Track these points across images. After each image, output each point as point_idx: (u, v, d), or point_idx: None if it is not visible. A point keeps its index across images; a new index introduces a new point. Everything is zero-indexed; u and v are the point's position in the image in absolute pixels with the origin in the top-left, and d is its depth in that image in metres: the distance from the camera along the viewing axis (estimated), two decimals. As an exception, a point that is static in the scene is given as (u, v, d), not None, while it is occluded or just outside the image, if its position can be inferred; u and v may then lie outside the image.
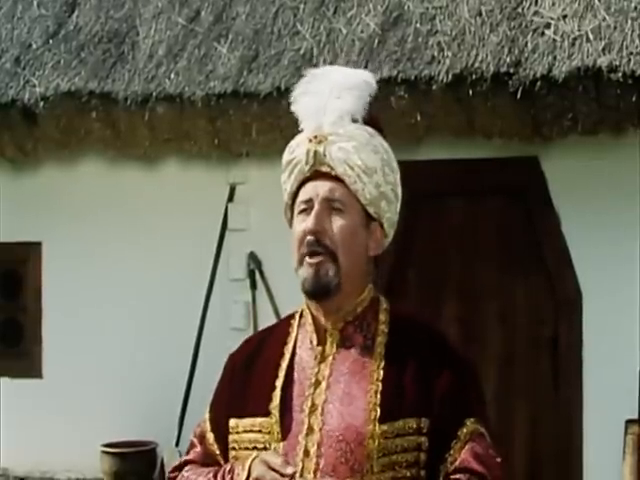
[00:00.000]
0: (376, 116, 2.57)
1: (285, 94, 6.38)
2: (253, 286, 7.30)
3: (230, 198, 7.40)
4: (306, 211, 2.48)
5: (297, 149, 2.52)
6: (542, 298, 6.77)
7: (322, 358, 2.49)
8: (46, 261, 7.88)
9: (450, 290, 6.97)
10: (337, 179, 2.46)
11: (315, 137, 2.48)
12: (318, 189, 2.47)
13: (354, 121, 2.49)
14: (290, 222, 2.55)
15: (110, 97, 6.94)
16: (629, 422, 6.29)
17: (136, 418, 7.36)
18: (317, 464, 2.39)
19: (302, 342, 2.55)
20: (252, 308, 7.30)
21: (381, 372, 2.43)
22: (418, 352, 2.47)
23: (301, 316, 2.59)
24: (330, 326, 2.51)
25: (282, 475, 2.32)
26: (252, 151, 6.99)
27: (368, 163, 2.46)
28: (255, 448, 2.45)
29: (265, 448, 2.44)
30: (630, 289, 6.45)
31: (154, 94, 6.80)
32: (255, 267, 7.28)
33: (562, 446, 6.61)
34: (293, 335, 2.57)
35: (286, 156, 2.56)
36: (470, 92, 6.10)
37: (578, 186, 6.58)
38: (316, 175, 2.48)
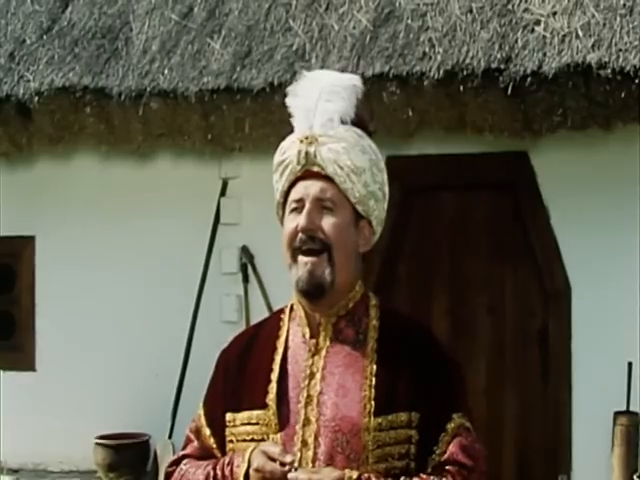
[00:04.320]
0: (364, 118, 2.66)
1: (278, 90, 6.42)
2: (245, 280, 7.34)
3: (222, 192, 7.42)
4: (297, 210, 2.56)
5: (288, 150, 2.60)
6: (531, 291, 6.82)
7: (316, 350, 2.57)
8: (39, 255, 7.90)
9: (440, 283, 7.01)
10: (327, 179, 2.55)
11: (306, 138, 2.56)
12: (309, 189, 2.55)
13: (343, 123, 2.57)
14: (282, 220, 2.63)
15: (104, 92, 6.93)
16: (618, 413, 6.34)
17: (129, 410, 7.38)
18: (315, 454, 2.47)
19: (294, 336, 2.63)
20: (244, 301, 7.33)
21: (374, 367, 2.51)
22: (408, 348, 2.56)
23: (291, 310, 2.66)
24: (323, 320, 2.59)
25: (282, 464, 2.40)
26: (245, 146, 7.00)
27: (357, 163, 2.55)
28: (253, 440, 2.53)
29: (263, 439, 2.52)
30: (619, 281, 6.49)
31: (148, 89, 6.81)
32: (247, 261, 7.31)
33: (551, 437, 6.65)
34: (285, 329, 2.65)
35: (278, 157, 2.64)
36: (461, 88, 6.12)
37: (567, 180, 6.63)
38: (307, 175, 2.57)
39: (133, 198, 7.55)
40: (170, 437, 7.10)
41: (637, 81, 5.77)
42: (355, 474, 2.40)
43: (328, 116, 2.55)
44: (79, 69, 7.07)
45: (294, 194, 2.58)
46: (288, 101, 2.64)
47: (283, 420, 2.52)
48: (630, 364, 6.38)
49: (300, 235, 2.53)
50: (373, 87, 6.11)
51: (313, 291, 2.53)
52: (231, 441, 2.59)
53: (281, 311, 2.71)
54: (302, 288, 2.53)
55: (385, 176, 2.64)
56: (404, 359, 2.53)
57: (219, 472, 2.54)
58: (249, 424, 2.55)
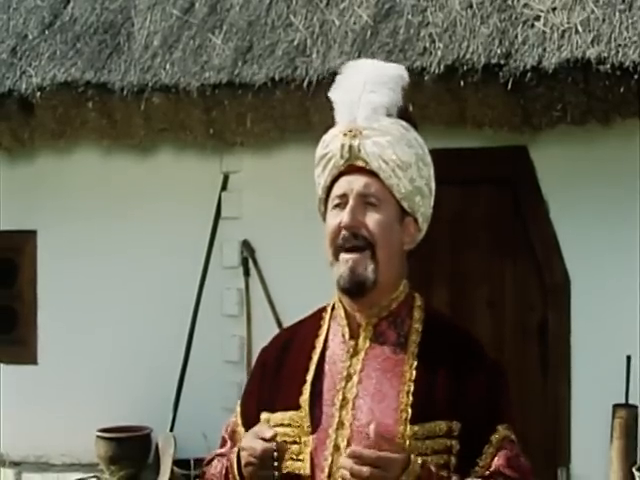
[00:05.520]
0: (409, 110, 2.55)
1: (279, 84, 6.45)
2: (246, 273, 7.36)
3: (224, 187, 7.45)
4: (340, 206, 2.44)
5: (331, 143, 2.48)
6: (531, 285, 6.85)
7: (354, 352, 2.46)
8: (41, 249, 7.93)
9: (440, 277, 7.02)
10: (371, 173, 2.42)
11: (350, 131, 2.43)
12: (353, 184, 2.43)
13: (388, 115, 2.45)
14: (324, 216, 2.53)
15: (106, 87, 6.95)
16: (617, 406, 6.37)
17: (131, 404, 7.41)
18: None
19: (334, 335, 2.52)
20: (245, 295, 7.36)
21: (414, 372, 2.40)
22: (451, 354, 2.44)
23: (333, 309, 2.56)
24: (364, 321, 2.47)
25: (262, 439, 2.33)
26: (246, 141, 7.01)
27: (403, 158, 2.43)
28: (285, 442, 2.41)
29: (295, 442, 2.42)
30: (618, 275, 6.52)
31: (150, 84, 6.82)
32: (248, 255, 7.34)
33: (550, 430, 6.68)
34: (325, 328, 2.54)
35: (320, 150, 2.52)
36: (461, 83, 6.14)
37: (566, 175, 6.66)
38: (350, 169, 2.45)
39: (134, 192, 7.58)
40: (171, 430, 7.11)
41: (636, 76, 5.79)
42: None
43: (372, 108, 2.43)
44: (81, 64, 7.09)
45: (337, 189, 2.46)
46: (330, 93, 2.52)
47: (316, 422, 2.42)
48: (629, 357, 6.41)
49: (343, 232, 2.41)
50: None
51: (355, 289, 2.41)
52: None
53: (323, 309, 2.59)
54: (343, 286, 2.42)
55: (432, 171, 2.53)
56: (446, 365, 2.41)
57: (228, 461, 2.50)
58: (282, 425, 2.45)
